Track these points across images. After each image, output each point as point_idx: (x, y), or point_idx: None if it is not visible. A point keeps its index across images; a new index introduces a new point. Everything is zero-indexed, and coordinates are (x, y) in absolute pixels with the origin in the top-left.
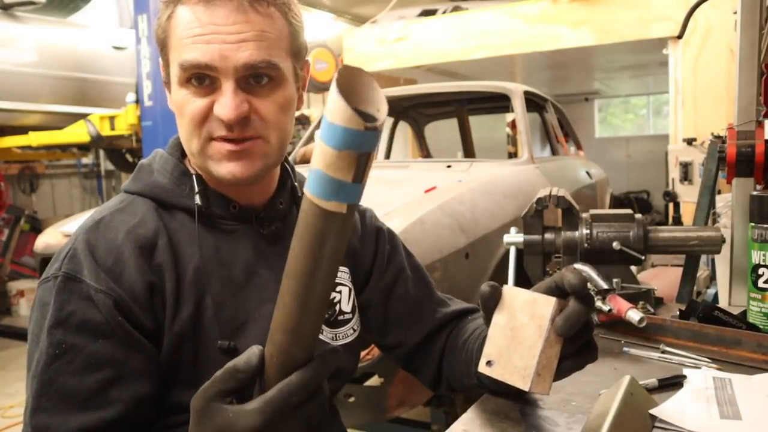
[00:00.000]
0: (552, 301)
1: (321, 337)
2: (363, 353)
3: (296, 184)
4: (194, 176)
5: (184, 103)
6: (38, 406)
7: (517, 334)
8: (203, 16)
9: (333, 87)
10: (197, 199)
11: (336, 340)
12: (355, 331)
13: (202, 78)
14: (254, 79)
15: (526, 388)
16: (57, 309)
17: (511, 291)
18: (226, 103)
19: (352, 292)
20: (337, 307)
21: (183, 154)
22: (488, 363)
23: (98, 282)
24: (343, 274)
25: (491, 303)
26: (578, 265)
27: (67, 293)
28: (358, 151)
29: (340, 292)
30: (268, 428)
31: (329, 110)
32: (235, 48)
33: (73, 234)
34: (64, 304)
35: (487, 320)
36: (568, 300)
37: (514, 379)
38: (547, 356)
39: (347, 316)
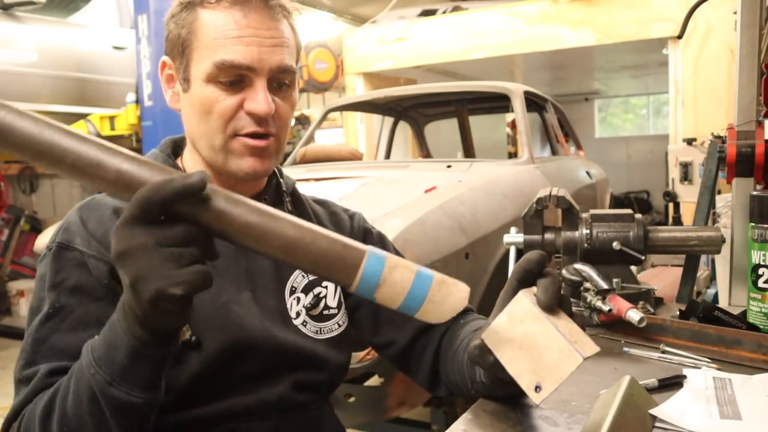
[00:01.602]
0: (520, 295)
1: (304, 330)
2: (363, 353)
3: (282, 180)
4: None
5: (214, 100)
6: (31, 361)
7: (527, 344)
8: (241, 20)
9: None
10: None
11: (320, 333)
12: (340, 326)
13: (236, 77)
14: (276, 82)
15: (581, 360)
16: (53, 274)
17: (489, 333)
18: (262, 99)
19: (338, 288)
20: (323, 302)
21: (175, 153)
22: (537, 389)
23: (90, 248)
24: None
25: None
26: (578, 265)
27: (62, 260)
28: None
29: (326, 287)
30: (122, 248)
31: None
32: (270, 51)
33: (69, 212)
34: (59, 270)
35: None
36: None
37: (567, 368)
38: (565, 328)
39: (332, 311)
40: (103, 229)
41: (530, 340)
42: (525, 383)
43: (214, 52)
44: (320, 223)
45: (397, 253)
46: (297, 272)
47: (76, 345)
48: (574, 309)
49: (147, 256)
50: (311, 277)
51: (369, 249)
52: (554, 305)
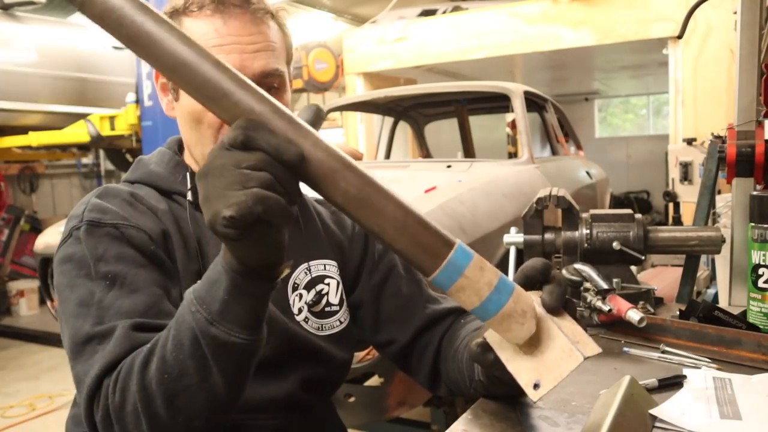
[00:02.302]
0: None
1: (306, 326)
2: (363, 353)
3: None
4: (188, 172)
5: (202, 110)
6: (101, 321)
7: (528, 342)
8: (222, 28)
9: None
10: (189, 196)
11: (322, 330)
12: (341, 323)
13: None
14: (264, 87)
15: (582, 359)
16: (92, 250)
17: (492, 332)
18: None
19: (340, 285)
20: (325, 299)
21: (181, 150)
22: (535, 386)
23: (125, 221)
24: (332, 268)
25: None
26: (578, 265)
27: (96, 236)
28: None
29: (328, 284)
30: (204, 167)
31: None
32: (252, 57)
33: (78, 204)
34: (96, 244)
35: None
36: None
37: (567, 367)
38: (568, 329)
39: (334, 308)
40: (128, 208)
41: (532, 339)
42: (524, 381)
43: None
44: (321, 220)
45: None
46: (300, 269)
47: (142, 304)
48: None
49: (219, 176)
50: (314, 274)
51: (459, 242)
52: (559, 307)
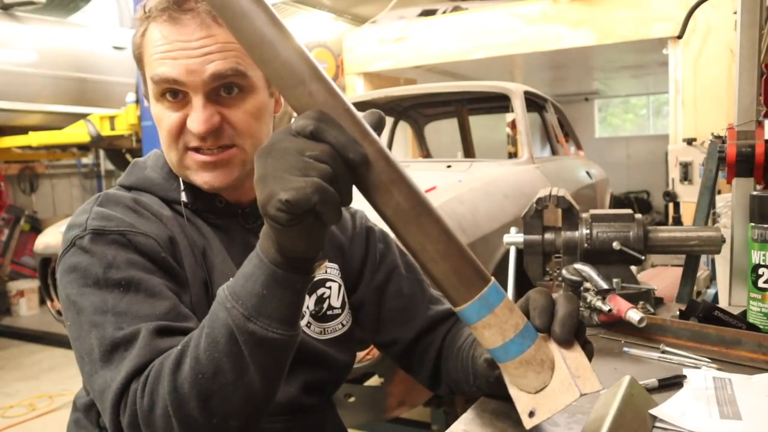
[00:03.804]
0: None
1: (308, 331)
2: (363, 353)
3: None
4: (181, 178)
5: (161, 117)
6: (120, 328)
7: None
8: (170, 34)
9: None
10: (183, 196)
11: (324, 334)
12: (344, 326)
13: (174, 93)
14: (225, 90)
15: (578, 395)
16: (100, 258)
17: None
18: (196, 117)
19: (342, 288)
20: (327, 303)
21: None
22: (531, 414)
23: (132, 227)
24: (333, 270)
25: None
26: (578, 265)
27: (102, 243)
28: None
29: (329, 288)
30: (266, 146)
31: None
32: (200, 62)
33: (77, 212)
34: (105, 251)
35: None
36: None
37: (563, 401)
38: (573, 361)
39: (336, 311)
40: (133, 216)
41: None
42: (521, 406)
43: (151, 68)
44: None
45: (400, 249)
46: None
47: (162, 308)
48: None
49: (280, 158)
50: (315, 278)
51: (493, 280)
52: (570, 341)
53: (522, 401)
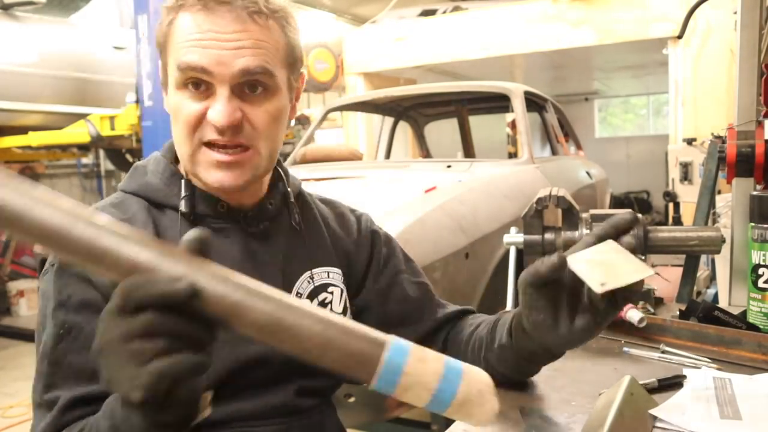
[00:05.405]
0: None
1: None
2: None
3: (289, 189)
4: (183, 180)
5: (180, 106)
6: (50, 384)
7: (604, 262)
8: (204, 23)
9: None
10: (182, 206)
11: None
12: None
13: (198, 83)
14: (249, 87)
15: (651, 272)
16: (57, 293)
17: (570, 254)
18: (220, 109)
19: (344, 293)
20: (328, 308)
21: (176, 157)
22: (602, 285)
23: None
24: (336, 275)
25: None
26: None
27: (65, 278)
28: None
29: (331, 293)
30: (98, 344)
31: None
32: (232, 54)
33: None
34: (63, 287)
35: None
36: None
37: (637, 275)
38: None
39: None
40: None
41: (607, 260)
42: (593, 282)
43: (179, 55)
44: (326, 224)
45: (405, 254)
46: (303, 278)
47: (91, 364)
48: None
49: (112, 353)
50: (317, 283)
51: (392, 338)
52: (639, 249)
53: (593, 279)
